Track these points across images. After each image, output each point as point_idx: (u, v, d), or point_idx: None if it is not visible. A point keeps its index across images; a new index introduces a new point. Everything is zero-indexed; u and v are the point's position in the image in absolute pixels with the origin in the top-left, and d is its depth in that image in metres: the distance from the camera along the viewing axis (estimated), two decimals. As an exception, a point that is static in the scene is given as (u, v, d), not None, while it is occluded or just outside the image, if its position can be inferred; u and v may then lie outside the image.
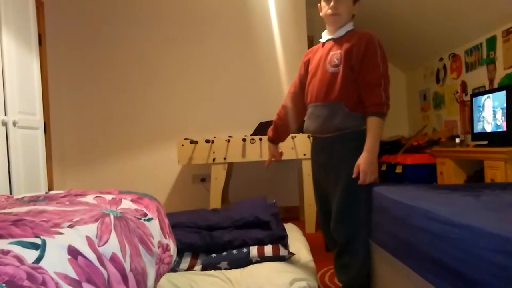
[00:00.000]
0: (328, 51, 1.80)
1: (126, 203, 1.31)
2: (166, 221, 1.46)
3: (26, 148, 2.67)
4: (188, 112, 4.18)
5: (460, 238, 1.00)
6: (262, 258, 1.97)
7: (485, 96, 3.17)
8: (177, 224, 2.06)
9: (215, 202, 3.44)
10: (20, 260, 0.75)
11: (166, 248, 1.34)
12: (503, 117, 2.94)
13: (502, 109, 2.95)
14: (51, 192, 1.57)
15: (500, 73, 3.30)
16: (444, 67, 4.29)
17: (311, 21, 4.23)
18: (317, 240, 2.63)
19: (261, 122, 3.76)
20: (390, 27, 4.38)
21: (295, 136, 3.37)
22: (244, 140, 3.46)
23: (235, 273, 1.88)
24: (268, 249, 2.00)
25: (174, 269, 1.92)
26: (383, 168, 4.31)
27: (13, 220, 0.95)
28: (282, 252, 2.01)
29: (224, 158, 3.46)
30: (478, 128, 3.30)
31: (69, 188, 2.55)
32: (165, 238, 1.37)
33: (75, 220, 1.00)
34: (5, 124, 2.44)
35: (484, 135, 3.21)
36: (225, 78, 4.18)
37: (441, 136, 3.97)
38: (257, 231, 2.06)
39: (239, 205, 2.43)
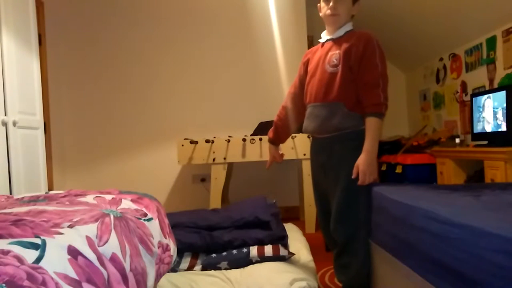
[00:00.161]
0: (327, 51, 1.81)
1: (126, 203, 1.31)
2: (166, 221, 1.46)
3: (26, 148, 2.67)
4: (188, 112, 4.18)
5: (460, 238, 1.00)
6: (262, 258, 1.97)
7: (485, 96, 3.17)
8: (177, 224, 2.06)
9: (215, 202, 3.44)
10: (20, 260, 0.75)
11: (166, 248, 1.34)
12: (503, 117, 2.94)
13: (502, 109, 2.95)
14: (51, 192, 1.57)
15: (500, 73, 3.30)
16: (444, 67, 4.29)
17: (311, 21, 4.23)
18: (317, 240, 2.63)
19: (261, 122, 3.76)
20: (390, 27, 4.38)
21: (295, 136, 3.37)
22: (244, 140, 3.46)
23: (235, 273, 1.88)
24: (268, 249, 2.00)
25: (174, 269, 1.92)
26: (383, 168, 4.31)
27: (13, 220, 0.95)
28: (282, 252, 2.01)
29: (224, 158, 3.46)
30: (478, 128, 3.30)
31: (69, 188, 2.55)
32: (165, 238, 1.37)
33: (75, 220, 1.00)
34: (5, 124, 2.44)
35: (484, 135, 3.21)
36: (225, 78, 4.18)
37: (441, 136, 3.97)
38: (257, 231, 2.06)
39: (239, 205, 2.43)
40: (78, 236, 0.92)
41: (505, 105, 2.91)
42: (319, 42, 1.91)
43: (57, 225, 0.95)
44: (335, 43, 1.80)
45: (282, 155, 2.15)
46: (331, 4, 1.76)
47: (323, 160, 1.82)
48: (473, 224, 0.98)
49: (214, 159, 3.46)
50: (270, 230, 2.07)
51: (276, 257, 1.98)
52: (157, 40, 4.18)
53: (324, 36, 1.87)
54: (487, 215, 1.09)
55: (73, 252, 0.86)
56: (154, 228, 1.30)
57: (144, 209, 1.34)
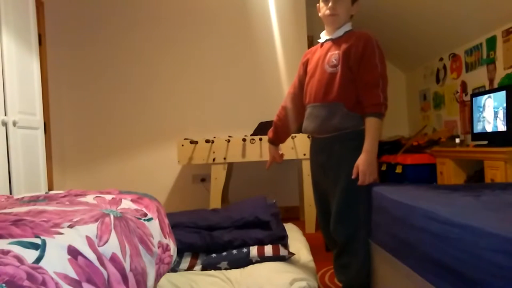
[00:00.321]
0: (327, 51, 1.81)
1: (126, 203, 1.31)
2: (166, 221, 1.46)
3: (26, 148, 2.67)
4: (188, 112, 4.18)
5: (460, 238, 1.00)
6: (262, 258, 1.97)
7: (486, 96, 3.17)
8: (177, 224, 2.06)
9: (215, 202, 3.44)
10: (20, 260, 0.75)
11: (166, 248, 1.34)
12: (503, 117, 2.94)
13: (502, 109, 2.95)
14: (51, 192, 1.57)
15: (500, 73, 3.30)
16: (444, 67, 4.29)
17: (311, 21, 4.23)
18: (317, 240, 2.63)
19: (261, 122, 3.76)
20: (390, 27, 4.38)
21: (295, 136, 3.37)
22: (244, 140, 3.46)
23: (235, 273, 1.88)
24: (268, 249, 2.00)
25: (174, 269, 1.92)
26: (383, 168, 4.31)
27: (13, 220, 0.95)
28: (282, 252, 2.01)
29: (224, 158, 3.46)
30: (478, 128, 3.30)
31: (69, 188, 2.55)
32: (165, 238, 1.37)
33: (75, 220, 1.00)
34: (5, 124, 2.44)
35: (484, 135, 3.21)
36: (225, 78, 4.18)
37: (441, 136, 3.97)
38: (257, 231, 2.06)
39: (239, 205, 2.43)
40: (78, 236, 0.92)
41: (505, 105, 2.91)
42: (318, 42, 1.91)
43: (57, 225, 0.95)
44: (335, 43, 1.79)
45: (282, 155, 2.15)
46: (330, 4, 1.76)
47: (323, 160, 1.82)
48: (473, 224, 0.98)
49: (214, 159, 3.46)
50: (270, 230, 2.07)
51: (276, 257, 1.98)
52: (157, 40, 4.18)
53: (323, 36, 1.87)
54: (487, 215, 1.09)
55: (73, 252, 0.86)
56: (154, 228, 1.30)
57: (144, 209, 1.34)
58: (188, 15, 4.17)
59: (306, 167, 3.30)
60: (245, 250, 1.99)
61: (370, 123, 1.67)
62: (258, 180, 4.04)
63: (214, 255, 1.99)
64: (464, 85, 3.90)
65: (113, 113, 4.19)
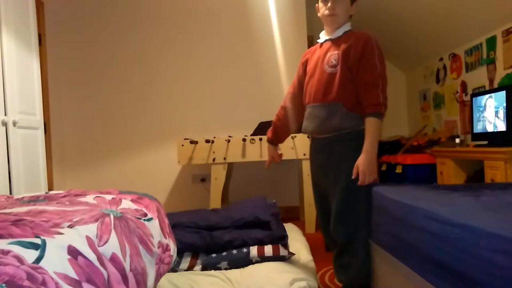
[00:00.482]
0: (326, 51, 1.80)
1: (126, 203, 1.31)
2: (166, 221, 1.46)
3: (26, 148, 2.67)
4: (188, 112, 4.18)
5: (460, 238, 1.00)
6: (262, 258, 1.97)
7: (487, 96, 3.17)
8: (177, 224, 2.06)
9: (215, 202, 3.44)
10: (20, 260, 0.75)
11: (166, 248, 1.34)
12: (503, 117, 2.94)
13: (502, 109, 2.95)
14: (51, 192, 1.57)
15: (500, 73, 3.30)
16: (444, 67, 4.29)
17: (311, 21, 4.23)
18: (317, 240, 2.63)
19: (261, 122, 3.76)
20: (390, 27, 4.38)
21: (295, 136, 3.37)
22: (244, 140, 3.46)
23: (235, 273, 1.88)
24: (268, 249, 2.00)
25: (174, 269, 1.92)
26: (383, 168, 4.31)
27: (13, 220, 0.95)
28: (282, 252, 2.01)
29: (224, 158, 3.46)
30: (478, 128, 3.30)
31: (69, 188, 2.55)
32: (165, 238, 1.37)
33: (75, 220, 1.00)
34: (5, 124, 2.44)
35: (484, 135, 3.21)
36: (225, 78, 4.18)
37: (441, 136, 3.97)
38: (257, 231, 2.06)
39: (239, 205, 2.43)
40: (78, 236, 0.92)
41: (505, 105, 2.91)
42: (318, 42, 1.91)
43: (57, 225, 0.95)
44: (334, 43, 1.79)
45: (281, 155, 2.15)
46: (329, 4, 1.75)
47: (322, 160, 1.82)
48: (473, 224, 0.98)
49: (214, 159, 3.46)
50: (270, 230, 2.07)
51: (276, 257, 1.98)
52: (157, 40, 4.18)
53: (323, 36, 1.87)
54: (487, 215, 1.09)
55: (73, 252, 0.86)
56: (154, 228, 1.30)
57: (144, 209, 1.34)
58: (188, 15, 4.17)
59: (306, 167, 3.30)
60: (245, 250, 1.99)
61: (370, 123, 1.67)
62: (258, 180, 4.04)
63: (214, 255, 1.99)
64: (464, 85, 3.89)
65: (113, 113, 4.19)
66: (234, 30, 4.17)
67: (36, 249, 0.79)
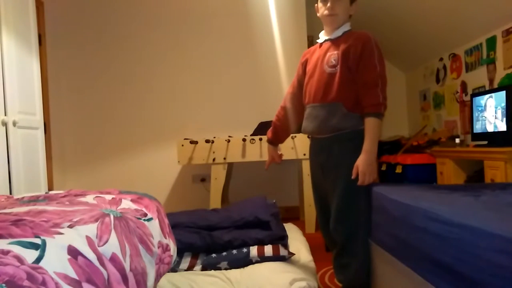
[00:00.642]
0: (326, 51, 1.80)
1: (126, 203, 1.31)
2: (166, 221, 1.46)
3: (26, 148, 2.67)
4: (188, 112, 4.18)
5: (460, 238, 1.00)
6: (262, 258, 1.97)
7: (487, 96, 3.17)
8: (177, 224, 2.06)
9: (215, 202, 3.44)
10: (20, 260, 0.75)
11: (166, 248, 1.34)
12: (503, 117, 2.94)
13: (502, 109, 2.95)
14: (51, 192, 1.57)
15: (500, 73, 3.30)
16: (444, 67, 4.29)
17: (311, 21, 4.23)
18: (317, 240, 2.63)
19: (261, 122, 3.76)
20: (390, 27, 4.38)
21: (295, 136, 3.37)
22: (244, 140, 3.46)
23: (235, 273, 1.88)
24: (268, 249, 2.00)
25: (174, 269, 1.92)
26: (383, 168, 4.31)
27: (13, 220, 0.95)
28: (282, 252, 2.01)
29: (224, 158, 3.46)
30: (478, 128, 3.30)
31: (69, 188, 2.55)
32: (165, 238, 1.37)
33: (75, 220, 1.00)
34: (5, 124, 2.44)
35: (484, 135, 3.21)
36: (225, 78, 4.18)
37: (441, 136, 3.97)
38: (257, 231, 2.06)
39: (239, 205, 2.43)
40: (78, 236, 0.92)
41: (505, 105, 2.91)
42: (317, 42, 1.91)
43: (57, 225, 0.95)
44: (333, 43, 1.79)
45: (281, 155, 2.15)
46: (328, 4, 1.75)
47: (322, 160, 1.82)
48: (473, 224, 0.98)
49: (214, 159, 3.46)
50: (270, 230, 2.07)
51: (276, 257, 1.98)
52: (157, 40, 4.18)
53: (322, 36, 1.87)
54: (487, 215, 1.09)
55: (73, 252, 0.86)
56: (154, 228, 1.30)
57: (144, 209, 1.34)
58: (188, 15, 4.17)
59: (306, 167, 3.30)
60: (245, 250, 1.99)
61: (370, 123, 1.67)
62: (258, 180, 4.04)
63: (214, 255, 1.99)
64: (464, 85, 3.90)
65: (113, 113, 4.19)
66: (234, 30, 4.17)
67: (36, 249, 0.79)
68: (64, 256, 0.83)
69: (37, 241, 0.82)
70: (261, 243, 2.02)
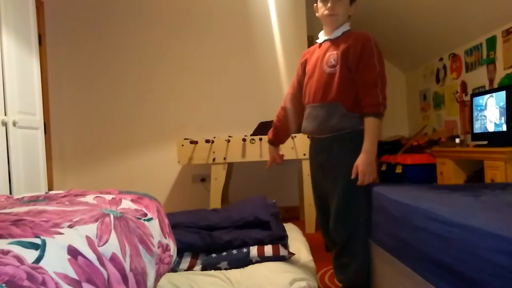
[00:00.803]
0: (325, 51, 1.80)
1: (126, 203, 1.31)
2: (166, 221, 1.46)
3: (26, 148, 2.67)
4: (188, 112, 4.18)
5: (460, 238, 1.00)
6: (262, 258, 1.97)
7: (487, 96, 3.17)
8: (177, 224, 2.06)
9: (215, 202, 3.44)
10: (20, 260, 0.75)
11: (166, 248, 1.34)
12: (503, 117, 2.94)
13: (502, 109, 2.95)
14: (51, 192, 1.57)
15: (500, 73, 3.30)
16: (444, 67, 4.29)
17: (311, 21, 4.23)
18: (317, 240, 2.63)
19: (261, 122, 3.76)
20: (390, 27, 4.38)
21: (295, 136, 3.37)
22: (244, 140, 3.46)
23: (235, 273, 1.87)
24: (268, 249, 2.00)
25: (174, 269, 1.92)
26: (383, 168, 4.31)
27: (13, 220, 0.95)
28: (282, 252, 2.01)
29: (224, 158, 3.46)
30: (478, 128, 3.30)
31: (69, 188, 2.55)
32: (165, 238, 1.37)
33: (75, 220, 1.00)
34: (5, 124, 2.44)
35: (484, 135, 3.21)
36: (225, 78, 4.18)
37: (441, 136, 3.97)
38: (257, 231, 2.06)
39: (239, 205, 2.43)
40: (78, 236, 0.92)
41: (505, 105, 2.91)
42: (317, 42, 1.91)
43: (57, 225, 0.95)
44: (333, 43, 1.79)
45: (282, 156, 2.15)
46: (329, 4, 1.75)
47: (322, 160, 1.82)
48: (473, 224, 0.98)
49: (214, 159, 3.46)
50: (270, 230, 2.07)
51: (276, 257, 1.98)
52: (157, 40, 4.18)
53: (322, 36, 1.87)
54: (487, 215, 1.09)
55: (73, 252, 0.86)
56: (154, 228, 1.30)
57: (144, 209, 1.34)
58: (188, 15, 4.17)
59: (306, 167, 3.30)
60: (245, 250, 1.99)
61: (369, 123, 1.67)
62: (258, 180, 4.04)
63: (214, 255, 1.99)
64: (464, 85, 3.90)
65: (113, 113, 4.19)
66: (234, 30, 4.17)
67: (36, 249, 0.79)
68: (64, 256, 0.83)
69: (37, 241, 0.82)
70: (261, 243, 2.02)
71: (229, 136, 3.58)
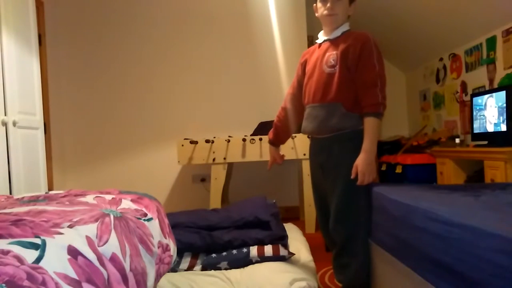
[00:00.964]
0: (325, 52, 1.81)
1: (126, 203, 1.31)
2: (166, 221, 1.46)
3: (26, 148, 2.67)
4: (188, 112, 4.18)
5: (460, 238, 1.00)
6: (262, 258, 1.97)
7: (487, 96, 3.17)
8: (177, 224, 2.06)
9: (215, 202, 3.44)
10: (20, 260, 0.75)
11: (166, 248, 1.34)
12: (503, 117, 2.94)
13: (502, 109, 2.95)
14: (51, 192, 1.57)
15: (500, 73, 3.30)
16: (444, 67, 4.29)
17: (311, 21, 4.23)
18: (317, 240, 2.63)
19: (261, 122, 3.76)
20: (390, 27, 4.38)
21: (295, 136, 3.37)
22: (244, 140, 3.46)
23: (235, 273, 1.88)
24: (268, 249, 2.00)
25: (174, 269, 1.92)
26: (383, 168, 4.31)
27: (13, 220, 0.95)
28: (282, 252, 2.01)
29: (224, 158, 3.46)
30: (478, 128, 3.30)
31: (69, 188, 2.55)
32: (165, 238, 1.37)
33: (75, 220, 1.00)
34: (5, 124, 2.44)
35: (484, 135, 3.21)
36: (225, 78, 4.18)
37: (441, 136, 3.97)
38: (257, 231, 2.06)
39: (239, 205, 2.43)
40: (78, 236, 0.92)
41: (505, 105, 2.91)
42: (316, 42, 1.91)
43: (57, 225, 0.95)
44: (332, 43, 1.79)
45: (282, 156, 2.15)
46: (328, 4, 1.75)
47: (322, 160, 1.82)
48: (473, 224, 0.98)
49: (214, 159, 3.46)
50: (270, 230, 2.07)
51: (276, 257, 1.98)
52: (157, 40, 4.18)
53: (321, 36, 1.87)
54: (487, 215, 1.09)
55: (73, 252, 0.86)
56: (154, 228, 1.30)
57: (144, 209, 1.34)
58: (188, 15, 4.17)
59: (306, 167, 3.30)
60: (245, 250, 1.99)
61: (369, 123, 1.67)
62: (258, 180, 4.04)
63: (214, 255, 1.99)
64: (464, 85, 3.90)
65: (113, 113, 4.19)
66: (234, 30, 4.17)
67: (36, 249, 0.79)
68: (64, 256, 0.83)
69: (37, 241, 0.82)
70: (261, 243, 2.02)
71: (229, 136, 3.58)
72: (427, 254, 1.17)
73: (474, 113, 3.35)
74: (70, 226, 0.95)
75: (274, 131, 2.09)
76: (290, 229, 2.62)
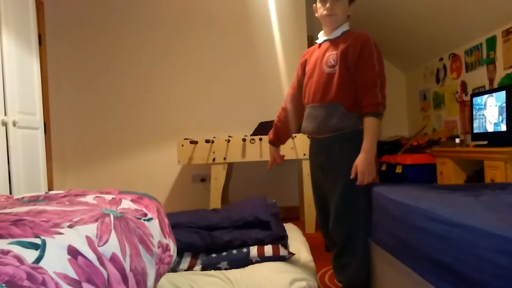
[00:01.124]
0: (324, 52, 1.81)
1: (126, 203, 1.31)
2: (166, 221, 1.46)
3: (26, 148, 2.67)
4: (188, 112, 4.18)
5: (460, 238, 1.00)
6: (262, 258, 1.97)
7: (487, 96, 3.17)
8: (177, 224, 2.06)
9: (215, 202, 3.44)
10: (20, 260, 0.75)
11: (166, 248, 1.34)
12: (503, 117, 2.94)
13: (502, 109, 2.95)
14: (51, 192, 1.57)
15: (500, 73, 3.30)
16: (444, 67, 4.29)
17: (311, 21, 4.23)
18: (317, 240, 2.63)
19: (261, 122, 3.76)
20: (390, 27, 4.38)
21: (295, 136, 3.37)
22: (244, 140, 3.46)
23: (235, 273, 1.87)
24: (268, 249, 2.00)
25: (174, 269, 1.92)
26: (383, 168, 4.31)
27: (13, 220, 0.95)
28: (282, 252, 2.01)
29: (224, 158, 3.46)
30: (478, 128, 3.30)
31: (69, 188, 2.54)
32: (165, 238, 1.37)
33: (75, 220, 1.00)
34: (5, 124, 2.44)
35: (484, 135, 3.21)
36: (225, 78, 4.18)
37: (441, 136, 3.97)
38: (257, 231, 2.06)
39: (239, 205, 2.43)
40: (78, 236, 0.92)
41: (505, 105, 2.91)
42: (316, 42, 1.91)
43: (57, 225, 0.95)
44: (332, 43, 1.80)
45: (282, 156, 2.15)
46: (328, 4, 1.76)
47: (322, 160, 1.82)
48: (473, 224, 0.98)
49: (214, 159, 3.46)
50: (270, 230, 2.07)
51: (276, 257, 1.98)
52: (157, 40, 4.18)
53: (321, 36, 1.87)
54: (487, 215, 1.09)
55: (73, 252, 0.86)
56: (154, 228, 1.30)
57: (144, 209, 1.34)
58: (188, 15, 4.17)
59: (306, 167, 3.30)
60: (245, 250, 1.99)
61: (369, 123, 1.67)
62: (258, 180, 4.04)
63: (214, 255, 1.99)
64: (464, 85, 3.90)
65: (113, 113, 4.19)
66: (234, 30, 4.17)
67: (36, 249, 0.79)
68: (64, 256, 0.83)
69: (37, 241, 0.82)
70: (261, 243, 2.02)
71: (229, 136, 3.58)
72: (427, 254, 1.17)
73: (474, 113, 3.35)
74: (70, 226, 0.95)
75: (274, 131, 2.09)
76: (290, 229, 2.62)
